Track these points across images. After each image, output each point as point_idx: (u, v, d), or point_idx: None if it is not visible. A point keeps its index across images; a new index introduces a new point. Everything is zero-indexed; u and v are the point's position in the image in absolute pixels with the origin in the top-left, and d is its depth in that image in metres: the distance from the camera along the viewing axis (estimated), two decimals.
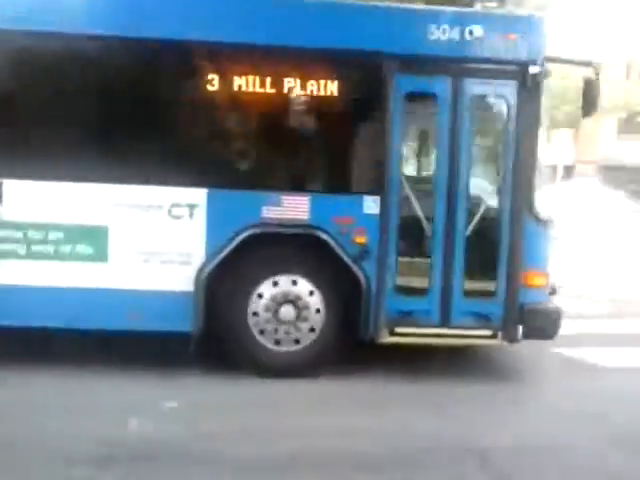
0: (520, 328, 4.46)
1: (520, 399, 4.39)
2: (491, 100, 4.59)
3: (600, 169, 44.04)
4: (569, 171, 41.03)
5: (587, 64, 4.52)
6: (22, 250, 4.26)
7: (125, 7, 4.28)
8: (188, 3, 4.35)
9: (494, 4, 12.75)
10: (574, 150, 41.25)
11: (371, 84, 4.38)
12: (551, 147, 26.95)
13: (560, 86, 26.34)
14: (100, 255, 4.28)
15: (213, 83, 4.29)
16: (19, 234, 4.24)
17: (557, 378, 4.92)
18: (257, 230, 4.28)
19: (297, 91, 4.35)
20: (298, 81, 4.33)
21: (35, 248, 4.26)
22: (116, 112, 4.31)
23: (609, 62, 41.35)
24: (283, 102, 4.38)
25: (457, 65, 4.39)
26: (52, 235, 4.26)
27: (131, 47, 4.18)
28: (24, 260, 4.26)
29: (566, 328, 4.66)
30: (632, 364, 5.22)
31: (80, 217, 4.28)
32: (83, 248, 4.28)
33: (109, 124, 4.33)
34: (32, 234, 4.25)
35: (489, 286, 4.51)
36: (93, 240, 4.29)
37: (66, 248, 4.27)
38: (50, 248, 4.27)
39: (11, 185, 4.22)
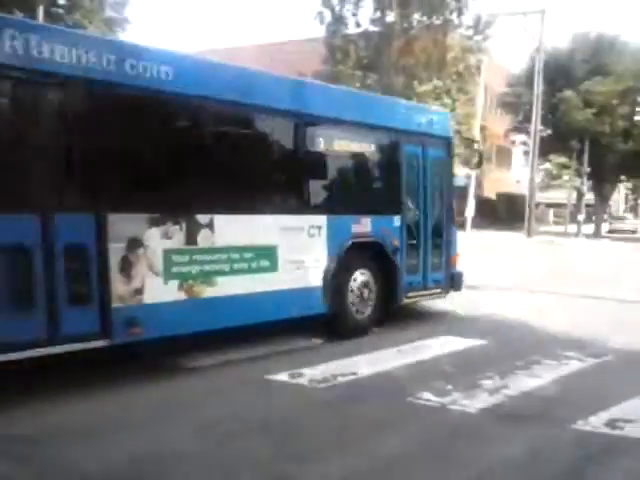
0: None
1: None
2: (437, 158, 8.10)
3: None
4: None
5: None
6: (227, 268, 5.61)
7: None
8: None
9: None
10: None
11: (399, 151, 7.48)
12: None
13: None
14: (273, 266, 5.99)
15: (336, 150, 6.87)
16: (225, 256, 5.61)
17: None
18: (351, 240, 6.71)
19: (375, 157, 7.47)
20: (376, 150, 7.34)
21: (235, 266, 5.66)
22: (285, 174, 6.52)
23: None
24: (367, 165, 7.42)
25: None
26: (245, 254, 5.75)
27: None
28: (229, 275, 5.61)
29: None
30: None
31: (261, 239, 5.92)
32: (264, 262, 5.92)
33: (280, 180, 6.51)
34: (233, 255, 5.66)
35: (440, 264, 8.01)
36: (270, 256, 5.98)
37: (254, 263, 5.84)
38: (245, 264, 5.75)
39: (219, 219, 5.52)
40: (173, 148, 5.31)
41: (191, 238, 5.31)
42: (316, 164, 6.58)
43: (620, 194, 70.03)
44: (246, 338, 6.27)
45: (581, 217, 36.68)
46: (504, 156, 50.55)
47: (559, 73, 33.84)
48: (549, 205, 53.22)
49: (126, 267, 4.84)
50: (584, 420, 4.24)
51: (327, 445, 3.81)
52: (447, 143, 8.11)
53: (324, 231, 6.47)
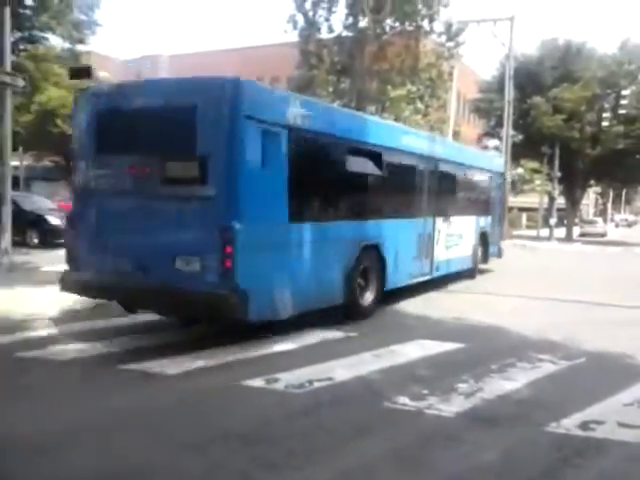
0: None
1: None
2: None
3: None
4: None
5: None
6: (452, 243, 11.65)
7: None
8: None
9: None
10: None
11: (488, 180, 14.38)
12: None
13: None
14: (461, 243, 12.25)
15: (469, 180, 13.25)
16: (453, 238, 11.73)
17: None
18: (480, 230, 13.50)
19: (480, 184, 14.00)
20: (480, 181, 13.96)
21: (453, 242, 11.68)
22: (466, 194, 12.90)
23: None
24: (478, 188, 13.90)
25: None
26: (455, 237, 11.81)
27: None
28: (452, 247, 11.71)
29: None
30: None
31: (460, 229, 12.10)
32: (459, 241, 12.11)
33: (464, 198, 12.71)
34: (454, 237, 11.72)
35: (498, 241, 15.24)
36: (461, 238, 12.17)
37: (457, 241, 11.96)
38: (454, 242, 11.73)
39: (455, 219, 11.62)
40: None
41: (450, 228, 11.35)
42: (467, 188, 12.85)
43: (590, 198, 71.45)
44: (221, 343, 6.19)
45: (553, 221, 37.24)
46: None
47: (529, 79, 34.40)
48: (522, 209, 53.92)
49: (437, 242, 10.72)
50: (558, 422, 4.26)
51: (302, 451, 3.75)
52: (502, 175, 16.10)
53: (473, 224, 12.95)
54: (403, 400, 4.65)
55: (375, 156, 8.56)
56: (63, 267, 7.14)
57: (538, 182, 38.74)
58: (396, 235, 9.10)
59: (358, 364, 5.68)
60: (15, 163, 38.15)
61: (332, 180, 7.63)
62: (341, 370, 5.42)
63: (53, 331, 6.82)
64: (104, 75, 6.63)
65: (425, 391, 4.88)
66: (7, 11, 10.89)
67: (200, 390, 4.89)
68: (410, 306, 9.09)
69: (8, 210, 11.41)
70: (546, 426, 4.22)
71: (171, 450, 3.76)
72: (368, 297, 8.28)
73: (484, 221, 13.54)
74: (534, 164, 37.55)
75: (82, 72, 7.77)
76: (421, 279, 10.28)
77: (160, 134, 6.25)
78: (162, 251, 6.15)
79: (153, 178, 6.22)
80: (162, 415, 4.35)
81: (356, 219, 8.10)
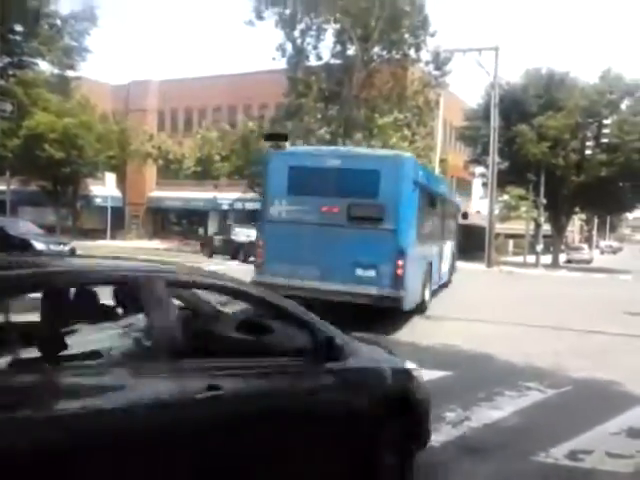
0: None
1: None
2: None
3: (147, 211, 50.29)
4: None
5: None
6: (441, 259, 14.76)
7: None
8: None
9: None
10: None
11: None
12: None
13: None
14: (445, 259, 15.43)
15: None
16: (444, 255, 15.39)
17: None
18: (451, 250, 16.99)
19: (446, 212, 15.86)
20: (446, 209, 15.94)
21: (444, 257, 15.43)
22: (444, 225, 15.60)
23: (146, 112, 47.87)
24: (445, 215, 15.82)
25: None
26: (443, 255, 14.79)
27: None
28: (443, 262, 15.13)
29: None
30: None
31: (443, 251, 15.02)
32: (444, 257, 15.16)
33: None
34: (444, 254, 15.37)
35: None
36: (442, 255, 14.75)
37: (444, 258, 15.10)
38: (443, 259, 14.94)
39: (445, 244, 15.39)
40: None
41: (445, 249, 14.64)
42: (448, 217, 15.96)
43: (575, 225, 72.25)
44: None
45: (539, 248, 37.56)
46: (464, 188, 51.64)
47: (514, 107, 35.02)
48: (508, 236, 54.35)
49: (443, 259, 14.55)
50: (546, 452, 4.24)
51: None
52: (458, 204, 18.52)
53: (450, 246, 16.17)
54: None
55: (438, 199, 13.41)
56: None
57: (524, 209, 39.15)
58: (438, 254, 13.54)
59: None
60: (2, 187, 38.07)
61: (429, 216, 12.21)
62: None
63: None
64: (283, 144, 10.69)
65: None
66: None
67: None
68: (396, 333, 9.04)
69: None
70: (535, 455, 4.19)
71: None
72: (427, 295, 11.73)
73: (454, 244, 17.38)
74: (520, 191, 38.00)
75: (278, 137, 11.34)
76: (439, 284, 14.31)
77: (348, 186, 9.58)
78: (344, 263, 9.34)
79: (341, 214, 9.47)
80: None
81: (432, 242, 12.56)
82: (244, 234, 26.61)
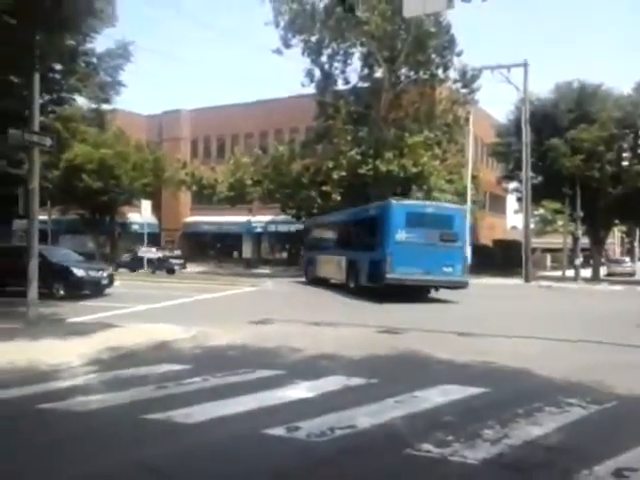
0: None
1: None
2: None
3: (183, 235, 51.05)
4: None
5: None
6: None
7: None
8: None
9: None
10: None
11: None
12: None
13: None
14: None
15: None
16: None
17: None
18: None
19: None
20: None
21: None
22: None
23: (179, 141, 48.92)
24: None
25: None
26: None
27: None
28: None
29: None
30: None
31: None
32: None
33: None
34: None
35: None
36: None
37: None
38: None
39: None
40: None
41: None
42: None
43: (615, 237, 70.47)
44: (243, 392, 6.16)
45: (578, 261, 36.75)
46: (498, 203, 51.06)
47: (545, 122, 34.64)
48: (546, 250, 53.39)
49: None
50: (589, 470, 4.12)
51: None
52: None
53: None
54: (427, 447, 4.54)
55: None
56: (88, 318, 7.25)
57: (560, 222, 38.44)
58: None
59: (380, 411, 5.59)
60: (43, 217, 39.29)
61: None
62: (363, 417, 5.33)
63: (77, 382, 6.85)
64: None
65: (449, 437, 4.76)
66: (37, 77, 11.42)
67: (221, 439, 4.84)
68: (434, 350, 8.96)
69: (35, 263, 11.68)
70: (578, 473, 4.08)
71: None
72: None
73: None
74: (555, 204, 37.38)
75: None
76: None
77: (439, 224, 18.32)
78: (437, 264, 18.00)
79: (436, 237, 18.13)
80: (180, 465, 4.31)
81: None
82: (151, 252, 34.85)
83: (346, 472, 4.17)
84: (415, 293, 18.49)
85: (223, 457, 4.48)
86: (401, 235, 17.63)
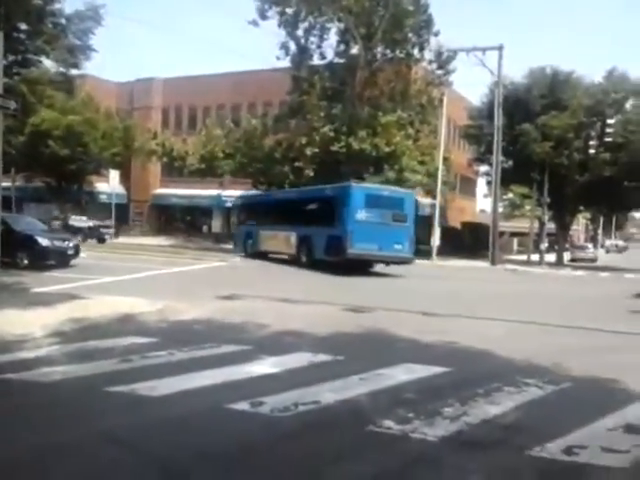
0: None
1: None
2: None
3: (151, 207, 50.35)
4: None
5: None
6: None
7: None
8: None
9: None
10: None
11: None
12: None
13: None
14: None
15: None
16: None
17: None
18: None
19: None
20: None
21: None
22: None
23: (150, 110, 47.95)
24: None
25: None
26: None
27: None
28: None
29: None
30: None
31: None
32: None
33: None
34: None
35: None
36: None
37: None
38: None
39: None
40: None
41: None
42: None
43: (580, 224, 72.09)
44: (208, 366, 6.18)
45: (544, 246, 37.58)
46: (468, 186, 51.59)
47: (518, 107, 35.01)
48: (513, 234, 54.31)
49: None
50: (541, 447, 4.27)
51: (286, 476, 3.75)
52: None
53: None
54: (388, 424, 4.65)
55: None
56: (53, 288, 7.16)
57: (528, 207, 39.11)
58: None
59: (344, 387, 5.68)
60: (6, 184, 38.29)
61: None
62: (327, 394, 5.42)
63: (40, 353, 6.77)
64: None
65: (411, 415, 4.88)
66: (0, 35, 11.03)
67: (185, 413, 4.87)
68: (399, 329, 9.10)
69: None
70: (530, 450, 4.23)
71: (152, 472, 3.75)
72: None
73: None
74: (524, 189, 37.98)
75: None
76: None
77: (392, 206, 20.70)
78: (390, 241, 20.18)
79: (389, 218, 20.40)
80: (143, 437, 4.33)
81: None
82: (82, 221, 35.02)
83: (308, 447, 4.25)
84: (364, 267, 21.25)
85: (187, 430, 4.51)
86: (360, 214, 19.56)
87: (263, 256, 24.80)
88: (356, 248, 19.26)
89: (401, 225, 20.49)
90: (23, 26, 13.13)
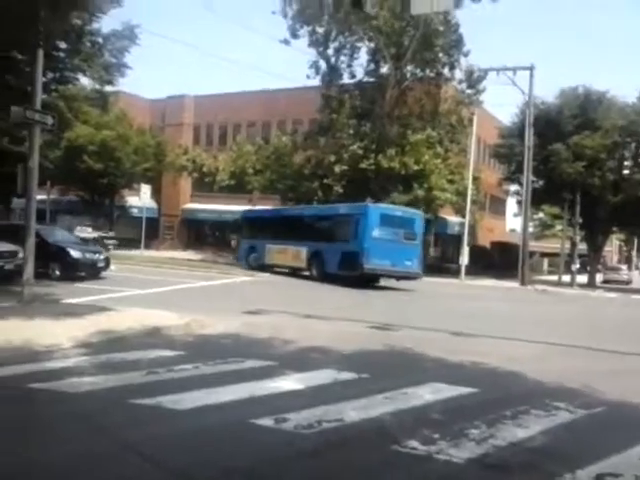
0: None
1: None
2: None
3: (182, 222, 50.93)
4: None
5: None
6: None
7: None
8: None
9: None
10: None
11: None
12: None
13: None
14: None
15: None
16: None
17: None
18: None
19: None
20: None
21: None
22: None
23: (182, 127, 48.72)
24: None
25: None
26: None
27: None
28: None
29: None
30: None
31: None
32: None
33: None
34: None
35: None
36: None
37: None
38: None
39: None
40: None
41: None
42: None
43: (613, 245, 70.61)
44: (234, 381, 6.19)
45: (575, 267, 36.83)
46: (497, 205, 51.07)
47: (549, 127, 34.61)
48: (544, 254, 53.44)
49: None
50: (572, 474, 4.15)
51: None
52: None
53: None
54: (413, 444, 4.57)
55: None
56: (83, 300, 7.28)
57: (559, 227, 38.51)
58: None
59: (369, 406, 5.62)
60: (42, 197, 39.28)
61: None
62: (351, 411, 5.36)
63: (68, 363, 6.87)
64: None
65: (436, 435, 4.79)
66: (40, 53, 11.38)
67: (209, 427, 4.87)
68: (425, 348, 8.99)
69: (32, 242, 11.68)
70: (560, 477, 4.10)
71: None
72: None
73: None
74: (555, 209, 37.42)
75: None
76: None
77: (403, 225, 22.21)
78: (402, 258, 21.78)
79: (401, 236, 21.96)
80: (167, 450, 4.34)
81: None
82: (86, 232, 35.80)
83: (331, 465, 4.20)
84: (372, 282, 22.51)
85: (210, 444, 4.51)
86: (376, 232, 21.04)
87: (286, 272, 24.87)
88: (371, 263, 20.59)
89: (411, 243, 22.07)
90: (62, 45, 13.55)
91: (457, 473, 4.14)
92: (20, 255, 14.86)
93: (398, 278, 22.13)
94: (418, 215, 23.37)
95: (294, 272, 24.38)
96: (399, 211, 23.11)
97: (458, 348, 9.36)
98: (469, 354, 8.68)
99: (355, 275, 20.96)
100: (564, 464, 4.33)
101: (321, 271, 22.36)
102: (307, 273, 23.31)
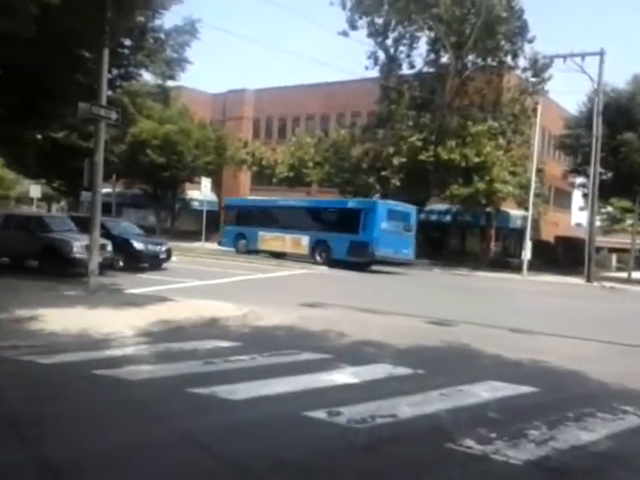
0: None
1: None
2: None
3: None
4: None
5: None
6: None
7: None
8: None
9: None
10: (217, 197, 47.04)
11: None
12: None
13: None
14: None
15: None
16: None
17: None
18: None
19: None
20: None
21: None
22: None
23: (242, 120, 49.25)
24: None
25: None
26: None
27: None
28: None
29: None
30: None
31: None
32: None
33: None
34: None
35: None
36: None
37: None
38: None
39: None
40: None
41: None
42: None
43: None
44: (290, 372, 6.22)
45: None
46: (562, 198, 49.26)
47: (619, 115, 32.98)
48: (612, 250, 51.17)
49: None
50: None
51: None
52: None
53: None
54: (469, 442, 4.45)
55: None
56: (145, 290, 7.47)
57: (629, 222, 36.76)
58: None
59: (424, 402, 5.52)
60: (108, 190, 40.77)
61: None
62: (406, 407, 5.29)
63: (128, 351, 7.09)
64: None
65: (493, 435, 4.65)
66: (106, 52, 11.75)
67: (262, 418, 4.91)
68: (484, 345, 8.77)
69: (97, 234, 12.10)
70: None
71: (227, 476, 3.79)
72: None
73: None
74: (625, 203, 35.71)
75: None
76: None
77: (403, 218, 25.99)
78: (402, 246, 25.54)
79: (401, 228, 25.71)
80: (222, 439, 4.39)
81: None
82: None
83: (384, 461, 4.15)
84: (368, 266, 25.35)
85: (264, 435, 4.54)
86: (384, 225, 24.73)
87: (345, 265, 24.68)
88: (380, 251, 24.39)
89: (408, 234, 25.95)
90: (126, 42, 13.92)
91: (515, 475, 4.00)
92: (109, 248, 15.57)
93: (397, 264, 25.99)
94: (413, 209, 26.86)
95: (282, 255, 27.42)
96: (400, 206, 26.30)
97: (517, 345, 9.09)
98: (529, 352, 8.41)
99: (365, 261, 24.81)
100: (630, 470, 4.12)
101: (325, 257, 25.70)
102: (315, 259, 26.24)
